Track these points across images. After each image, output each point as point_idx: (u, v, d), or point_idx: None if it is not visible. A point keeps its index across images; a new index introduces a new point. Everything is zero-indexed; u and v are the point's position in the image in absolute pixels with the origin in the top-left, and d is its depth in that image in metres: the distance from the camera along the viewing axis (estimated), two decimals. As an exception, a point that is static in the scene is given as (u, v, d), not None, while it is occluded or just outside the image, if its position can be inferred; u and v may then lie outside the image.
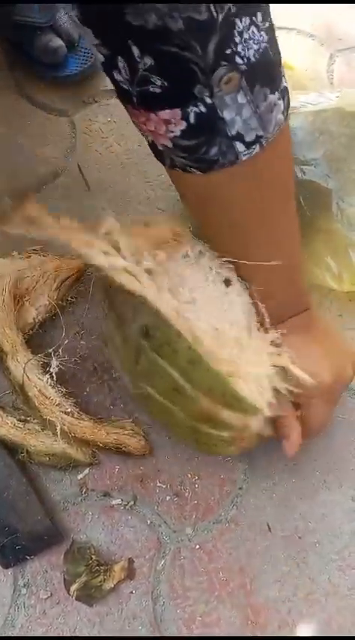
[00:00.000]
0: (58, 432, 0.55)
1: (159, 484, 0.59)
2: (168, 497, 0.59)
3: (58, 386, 0.59)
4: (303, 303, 0.52)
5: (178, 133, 0.39)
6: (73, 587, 0.53)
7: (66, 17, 0.77)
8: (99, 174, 0.75)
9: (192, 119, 0.38)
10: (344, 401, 0.64)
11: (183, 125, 0.39)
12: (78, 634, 0.54)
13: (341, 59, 0.86)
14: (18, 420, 0.59)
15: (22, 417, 0.60)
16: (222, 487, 0.60)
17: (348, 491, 0.60)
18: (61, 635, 0.54)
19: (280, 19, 0.87)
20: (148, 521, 0.58)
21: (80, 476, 0.59)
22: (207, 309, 0.46)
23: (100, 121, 0.79)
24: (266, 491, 0.60)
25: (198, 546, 0.57)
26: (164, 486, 0.59)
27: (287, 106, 0.42)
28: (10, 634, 0.54)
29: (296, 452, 0.52)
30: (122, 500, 0.58)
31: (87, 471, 0.59)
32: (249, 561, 0.57)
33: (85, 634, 0.54)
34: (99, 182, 0.75)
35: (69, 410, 0.58)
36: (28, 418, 0.59)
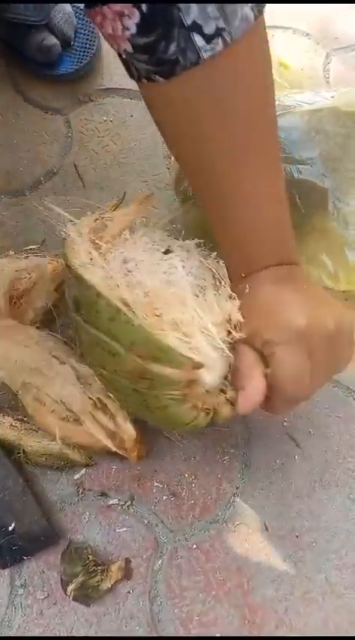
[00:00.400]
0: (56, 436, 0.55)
1: (156, 484, 0.59)
2: (165, 497, 0.59)
3: None
4: (288, 252, 0.47)
5: (134, 30, 0.38)
6: (70, 588, 0.53)
7: (60, 16, 0.77)
8: (95, 173, 0.75)
9: (144, 8, 0.37)
10: (339, 399, 0.64)
11: (137, 17, 0.38)
12: (75, 634, 0.54)
13: (337, 58, 0.86)
14: (15, 420, 0.59)
15: (19, 417, 0.60)
16: (219, 486, 0.60)
17: (344, 490, 0.60)
18: (58, 635, 0.54)
19: (276, 18, 0.87)
20: (145, 521, 0.58)
21: (77, 476, 0.59)
22: (139, 272, 0.45)
23: (96, 120, 0.79)
24: (263, 490, 0.60)
25: (195, 546, 0.57)
26: (161, 486, 0.59)
27: (258, 2, 0.40)
28: (6, 635, 0.54)
29: (250, 409, 0.43)
30: (119, 500, 0.58)
31: (83, 471, 0.59)
32: (246, 561, 0.57)
33: (82, 634, 0.54)
34: (95, 181, 0.75)
35: (64, 415, 0.57)
36: (25, 418, 0.59)
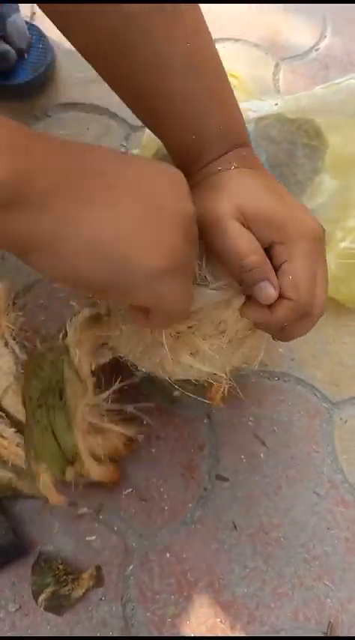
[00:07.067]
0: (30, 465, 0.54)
1: (124, 491, 0.60)
2: (134, 503, 0.59)
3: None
4: (242, 132, 0.46)
5: None
6: (41, 598, 0.53)
7: (14, 28, 0.77)
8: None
9: None
10: (301, 396, 0.66)
11: None
12: (48, 645, 0.54)
13: (287, 67, 0.89)
14: None
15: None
16: (187, 489, 0.60)
17: (310, 485, 0.62)
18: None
19: (226, 29, 0.90)
20: (115, 528, 0.58)
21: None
22: None
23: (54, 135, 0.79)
24: (231, 489, 0.61)
25: (165, 549, 0.58)
26: (130, 491, 0.60)
27: None
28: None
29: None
30: (88, 508, 0.59)
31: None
32: (216, 560, 0.58)
33: (56, 645, 0.54)
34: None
35: None
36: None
